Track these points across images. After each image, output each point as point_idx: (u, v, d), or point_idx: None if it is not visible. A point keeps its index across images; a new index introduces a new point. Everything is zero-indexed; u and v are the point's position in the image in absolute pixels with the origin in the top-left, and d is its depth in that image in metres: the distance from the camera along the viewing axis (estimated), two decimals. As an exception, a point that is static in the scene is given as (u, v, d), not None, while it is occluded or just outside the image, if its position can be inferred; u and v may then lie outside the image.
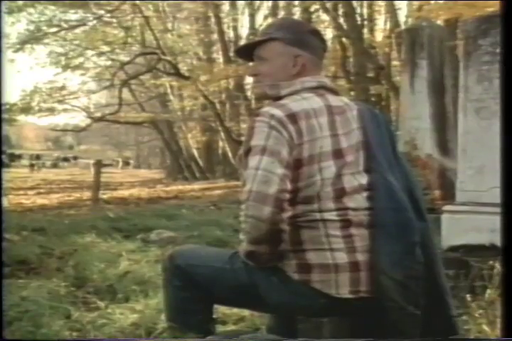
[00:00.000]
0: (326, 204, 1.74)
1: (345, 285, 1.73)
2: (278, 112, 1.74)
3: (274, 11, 19.21)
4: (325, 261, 1.73)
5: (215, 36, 20.98)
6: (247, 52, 1.97)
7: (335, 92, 1.91)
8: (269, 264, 1.80)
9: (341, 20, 15.06)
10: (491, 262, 2.68)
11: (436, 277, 1.83)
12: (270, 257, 1.77)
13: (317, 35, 1.95)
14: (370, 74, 15.31)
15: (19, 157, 46.49)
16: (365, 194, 1.78)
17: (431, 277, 1.80)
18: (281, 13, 19.32)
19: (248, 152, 1.72)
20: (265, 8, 20.55)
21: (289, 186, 1.70)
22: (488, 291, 2.54)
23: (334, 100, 1.86)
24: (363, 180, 1.79)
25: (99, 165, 12.10)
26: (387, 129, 1.94)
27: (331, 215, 1.74)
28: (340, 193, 1.75)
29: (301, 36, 1.91)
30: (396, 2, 16.92)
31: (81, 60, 23.12)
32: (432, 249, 1.83)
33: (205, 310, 1.97)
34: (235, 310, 2.65)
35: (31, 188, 17.22)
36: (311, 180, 1.74)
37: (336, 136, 1.78)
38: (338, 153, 1.77)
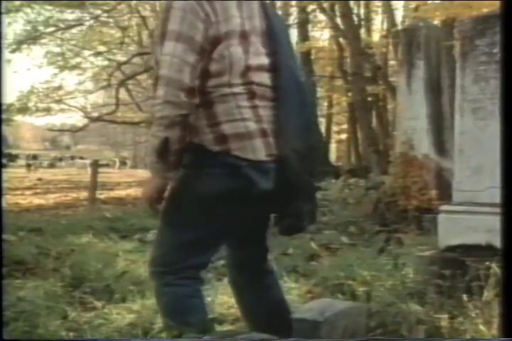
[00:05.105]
0: (235, 78, 1.89)
1: (261, 149, 1.91)
2: None
3: (271, 11, 19.18)
4: (239, 130, 1.89)
5: (213, 36, 20.92)
6: None
7: None
8: (167, 173, 1.89)
9: (338, 20, 15.07)
10: (487, 262, 2.68)
11: None
12: (175, 154, 1.86)
13: None
14: (367, 74, 15.32)
15: (16, 157, 46.34)
16: (268, 73, 1.95)
17: None
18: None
19: (163, 36, 1.86)
20: (262, 8, 20.50)
21: (198, 72, 1.85)
22: (485, 291, 2.55)
23: None
24: (266, 60, 1.96)
25: (96, 165, 12.08)
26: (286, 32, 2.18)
27: (239, 89, 1.90)
28: (246, 69, 1.91)
29: None
30: (393, 2, 16.93)
31: (78, 60, 23.02)
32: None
33: None
34: (232, 310, 2.65)
35: (28, 188, 17.18)
36: (223, 54, 1.88)
37: (242, 18, 1.94)
38: (243, 33, 1.93)
